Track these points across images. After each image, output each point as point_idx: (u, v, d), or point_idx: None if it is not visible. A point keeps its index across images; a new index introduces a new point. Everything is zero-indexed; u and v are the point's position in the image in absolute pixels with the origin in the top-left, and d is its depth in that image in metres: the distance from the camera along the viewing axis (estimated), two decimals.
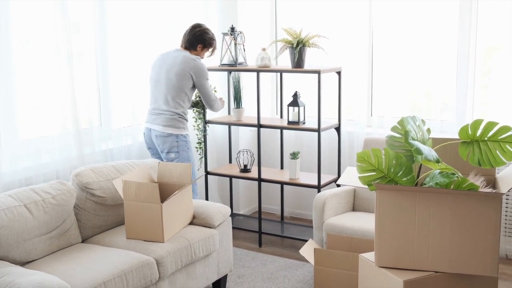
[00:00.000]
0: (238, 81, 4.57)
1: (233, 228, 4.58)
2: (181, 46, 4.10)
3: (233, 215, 4.97)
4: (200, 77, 4.01)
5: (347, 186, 3.96)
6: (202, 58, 4.14)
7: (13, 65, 3.41)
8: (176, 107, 4.00)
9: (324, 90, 4.23)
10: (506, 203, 4.10)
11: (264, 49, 4.37)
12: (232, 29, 4.45)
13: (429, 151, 2.47)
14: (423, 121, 2.70)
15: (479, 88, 4.30)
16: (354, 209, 4.11)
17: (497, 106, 4.22)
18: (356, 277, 3.15)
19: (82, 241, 3.36)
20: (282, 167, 4.90)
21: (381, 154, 2.54)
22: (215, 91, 4.34)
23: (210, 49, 4.17)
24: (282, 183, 4.64)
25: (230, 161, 4.99)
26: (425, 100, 4.53)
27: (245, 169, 4.63)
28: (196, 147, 4.49)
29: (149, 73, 4.14)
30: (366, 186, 2.60)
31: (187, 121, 4.10)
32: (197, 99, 4.38)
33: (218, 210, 3.63)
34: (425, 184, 2.56)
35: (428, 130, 2.69)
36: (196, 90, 4.13)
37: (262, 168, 4.52)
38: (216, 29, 4.59)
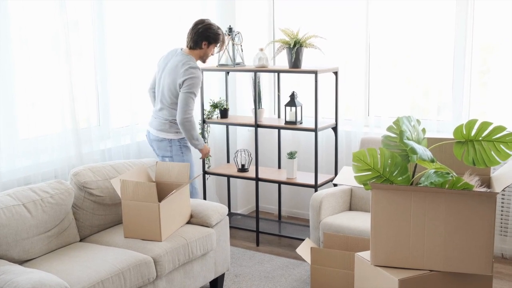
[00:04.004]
0: (259, 83, 4.52)
1: (231, 227, 4.60)
2: (187, 46, 3.97)
3: (230, 214, 4.99)
4: (187, 86, 3.80)
5: (344, 185, 3.98)
6: (212, 54, 4.02)
7: (12, 64, 3.42)
8: (169, 115, 3.94)
9: (321, 90, 4.26)
10: (502, 203, 4.12)
11: (261, 49, 4.38)
12: (230, 29, 4.46)
13: (424, 151, 2.49)
14: (418, 121, 2.71)
15: (476, 87, 4.31)
16: (350, 208, 4.13)
17: (494, 106, 4.23)
18: (352, 276, 3.18)
19: (80, 240, 3.38)
20: (279, 167, 4.92)
21: (377, 154, 2.56)
22: (208, 156, 4.25)
23: (217, 44, 4.00)
24: (279, 183, 4.66)
25: (228, 161, 5.01)
26: (422, 100, 4.55)
27: (243, 169, 4.64)
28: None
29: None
30: (362, 186, 2.61)
31: None
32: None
33: (216, 209, 3.65)
34: (420, 183, 2.58)
35: (424, 130, 2.71)
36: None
37: (259, 168, 4.54)
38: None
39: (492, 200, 2.41)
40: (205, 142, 4.55)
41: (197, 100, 4.07)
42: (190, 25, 4.00)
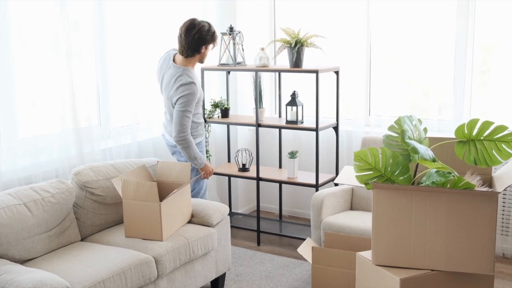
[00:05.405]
0: (260, 82, 4.49)
1: (232, 227, 4.60)
2: (181, 55, 3.75)
3: (231, 214, 4.99)
4: (180, 104, 3.66)
5: (345, 185, 3.97)
6: (206, 52, 3.83)
7: (12, 63, 3.42)
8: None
9: (322, 90, 4.25)
10: (503, 202, 4.11)
11: (262, 49, 4.39)
12: (231, 29, 4.46)
13: (425, 150, 2.49)
14: (420, 120, 2.71)
15: (478, 87, 4.31)
16: (352, 208, 4.13)
17: (495, 106, 4.23)
18: (354, 275, 3.17)
19: (81, 240, 3.37)
20: (280, 166, 4.92)
21: (378, 153, 2.56)
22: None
23: (215, 42, 3.81)
24: (280, 182, 4.66)
25: (229, 160, 5.01)
26: (423, 100, 4.55)
27: (244, 168, 4.64)
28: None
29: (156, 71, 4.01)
30: (363, 185, 2.61)
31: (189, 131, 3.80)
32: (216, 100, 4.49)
33: (217, 208, 3.65)
34: (421, 183, 2.58)
35: (425, 130, 2.71)
36: (198, 106, 3.85)
37: (260, 167, 4.53)
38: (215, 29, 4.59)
39: (494, 199, 2.41)
40: (207, 158, 4.44)
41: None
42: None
